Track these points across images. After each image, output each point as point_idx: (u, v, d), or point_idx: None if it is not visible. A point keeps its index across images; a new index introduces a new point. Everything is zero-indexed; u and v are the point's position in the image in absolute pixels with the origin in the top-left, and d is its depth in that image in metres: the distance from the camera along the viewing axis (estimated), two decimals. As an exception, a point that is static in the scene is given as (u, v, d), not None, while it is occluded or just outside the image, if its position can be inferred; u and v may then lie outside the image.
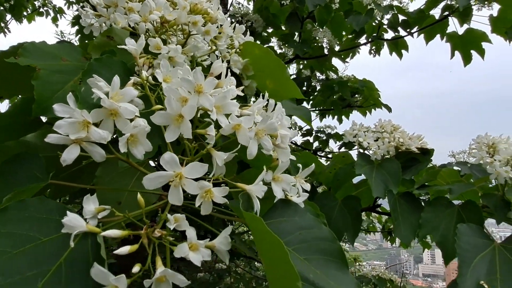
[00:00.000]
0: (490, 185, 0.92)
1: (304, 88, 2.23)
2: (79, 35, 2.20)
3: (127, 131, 0.35)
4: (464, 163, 0.95)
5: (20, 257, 0.32)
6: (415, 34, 1.89)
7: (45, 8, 3.90)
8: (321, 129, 2.61)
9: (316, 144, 2.63)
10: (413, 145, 0.97)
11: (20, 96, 0.63)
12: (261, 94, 0.48)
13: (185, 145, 0.38)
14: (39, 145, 0.51)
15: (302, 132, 2.73)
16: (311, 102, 2.41)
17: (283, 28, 2.07)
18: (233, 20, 1.95)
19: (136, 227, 0.34)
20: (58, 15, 3.93)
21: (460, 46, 1.80)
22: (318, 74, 2.28)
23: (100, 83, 0.40)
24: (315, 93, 2.33)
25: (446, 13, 1.78)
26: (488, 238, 0.76)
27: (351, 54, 2.19)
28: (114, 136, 0.38)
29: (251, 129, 0.36)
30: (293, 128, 2.72)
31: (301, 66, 2.46)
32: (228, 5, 2.26)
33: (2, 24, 3.53)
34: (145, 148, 0.36)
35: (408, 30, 1.86)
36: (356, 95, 2.29)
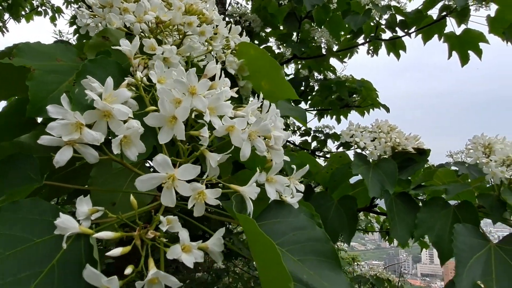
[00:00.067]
0: (488, 185, 0.92)
1: (302, 88, 2.23)
2: (77, 35, 2.20)
3: (120, 133, 0.35)
4: (462, 163, 0.96)
5: (13, 258, 0.32)
6: (413, 35, 1.89)
7: (43, 8, 3.89)
8: (319, 129, 2.61)
9: (314, 144, 2.63)
10: (409, 145, 0.98)
11: (17, 97, 0.63)
12: (256, 95, 0.48)
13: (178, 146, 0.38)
14: (33, 146, 0.51)
15: (301, 132, 2.73)
16: (309, 102, 2.41)
17: (281, 28, 2.07)
18: (231, 20, 1.95)
19: (132, 228, 0.34)
20: (57, 15, 3.92)
21: (458, 47, 1.80)
22: (316, 74, 2.28)
23: (94, 84, 0.40)
24: (313, 93, 2.33)
25: (444, 13, 1.79)
26: (484, 238, 0.76)
27: (349, 54, 2.19)
28: (110, 138, 0.38)
29: (244, 131, 0.36)
30: (291, 128, 2.73)
31: (299, 66, 2.46)
32: (227, 5, 2.25)
33: (0, 24, 3.52)
34: (139, 150, 0.36)
35: (405, 30, 1.87)
36: (354, 95, 2.30)
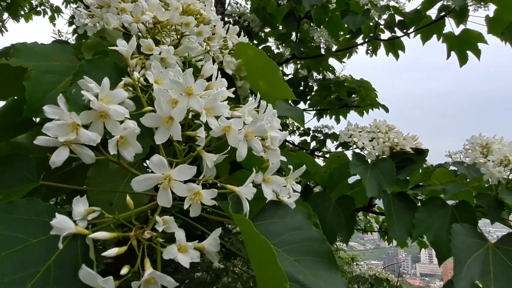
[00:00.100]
0: (486, 185, 0.92)
1: (301, 88, 2.23)
2: (76, 35, 2.20)
3: (116, 133, 0.35)
4: (461, 163, 0.96)
5: (8, 259, 0.32)
6: (412, 35, 1.89)
7: (42, 7, 3.88)
8: (318, 129, 2.61)
9: (313, 144, 2.63)
10: (407, 145, 0.98)
11: (16, 97, 0.62)
12: (253, 95, 0.48)
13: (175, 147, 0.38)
14: (30, 146, 0.51)
15: (300, 132, 2.74)
16: (308, 102, 2.41)
17: (280, 28, 2.07)
18: (230, 20, 1.95)
19: (129, 228, 0.34)
20: (56, 14, 3.91)
21: (456, 47, 1.80)
22: (315, 74, 2.28)
23: (91, 85, 0.40)
24: (312, 93, 2.33)
25: (443, 13, 1.79)
26: (482, 238, 0.76)
27: (348, 54, 2.19)
28: (107, 138, 0.38)
29: (240, 131, 0.36)
30: (290, 128, 2.73)
31: (298, 66, 2.46)
32: (226, 5, 2.25)
33: (-1, 23, 3.51)
34: (135, 150, 0.36)
35: (404, 30, 1.87)
36: (353, 95, 2.30)
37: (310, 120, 2.60)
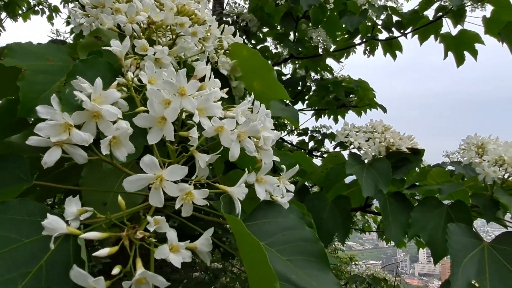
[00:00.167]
0: (483, 184, 0.92)
1: (299, 88, 2.24)
2: (74, 34, 2.19)
3: (109, 133, 0.35)
4: (458, 163, 0.96)
5: (1, 259, 0.32)
6: (409, 35, 1.90)
7: (40, 7, 3.87)
8: (317, 129, 2.61)
9: (311, 144, 2.64)
10: (403, 145, 0.98)
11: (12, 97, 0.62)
12: (247, 95, 0.48)
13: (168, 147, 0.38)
14: (23, 146, 0.51)
15: (298, 131, 2.74)
16: (306, 102, 2.41)
17: (278, 28, 2.07)
18: (229, 19, 1.95)
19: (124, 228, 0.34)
20: (54, 14, 3.90)
21: (454, 47, 1.81)
22: (313, 74, 2.28)
23: (84, 85, 0.40)
24: (310, 93, 2.33)
25: (440, 14, 1.79)
26: (477, 237, 0.77)
27: (345, 54, 2.20)
28: (100, 138, 0.38)
29: (233, 132, 0.36)
30: (289, 128, 2.73)
31: (297, 66, 2.46)
32: (225, 5, 2.25)
33: (-3, 23, 3.50)
34: (128, 150, 0.36)
35: (402, 30, 1.87)
36: (351, 95, 2.30)
37: (308, 120, 2.61)
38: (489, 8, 1.75)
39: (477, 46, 1.78)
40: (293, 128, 2.77)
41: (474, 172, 0.88)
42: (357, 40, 2.03)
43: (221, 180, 0.49)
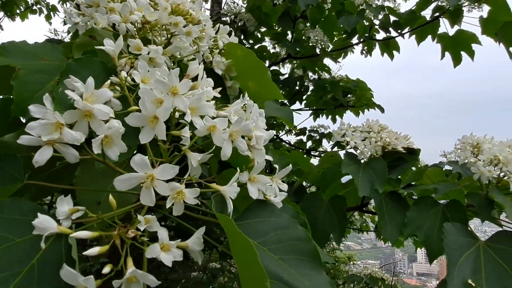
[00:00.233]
0: (479, 184, 0.93)
1: (297, 88, 2.24)
2: (71, 34, 2.19)
3: (101, 132, 0.35)
4: (456, 162, 0.97)
5: (-6, 258, 0.32)
6: (407, 35, 1.90)
7: (38, 6, 3.86)
8: (314, 129, 2.62)
9: (309, 143, 2.64)
10: (399, 144, 0.98)
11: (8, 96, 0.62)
12: (241, 95, 0.48)
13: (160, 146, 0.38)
14: (17, 145, 0.51)
15: (296, 131, 2.74)
16: (304, 101, 2.41)
17: (276, 27, 2.07)
18: (227, 19, 1.95)
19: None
20: (52, 13, 3.89)
21: (451, 47, 1.81)
22: (310, 73, 2.28)
23: (77, 84, 0.40)
24: (308, 93, 2.34)
25: (437, 14, 1.80)
26: (473, 236, 0.77)
27: (343, 54, 2.20)
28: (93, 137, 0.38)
29: (225, 131, 0.36)
30: (287, 128, 2.73)
31: (295, 66, 2.46)
32: (223, 4, 2.25)
33: (-6, 22, 3.49)
34: (120, 149, 0.36)
35: (399, 31, 1.88)
36: (349, 95, 2.30)
37: (306, 120, 2.61)
38: (486, 8, 1.76)
39: (474, 46, 1.78)
40: (292, 128, 2.77)
41: (471, 172, 0.89)
42: (354, 40, 2.03)
43: (216, 179, 0.49)
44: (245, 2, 2.30)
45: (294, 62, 2.39)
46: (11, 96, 0.60)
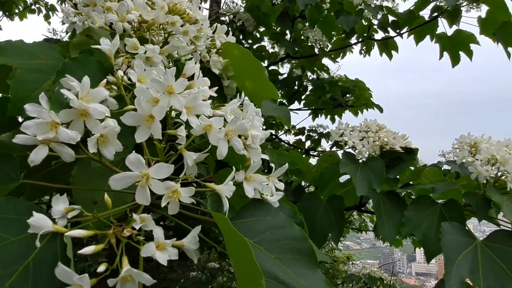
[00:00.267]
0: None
1: (296, 88, 2.24)
2: (70, 33, 2.18)
3: (97, 132, 0.35)
4: (454, 162, 0.97)
5: (-13, 258, 0.32)
6: (405, 35, 1.90)
7: (37, 6, 3.85)
8: (313, 129, 2.62)
9: (308, 143, 2.64)
10: (397, 144, 0.98)
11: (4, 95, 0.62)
12: (237, 94, 0.48)
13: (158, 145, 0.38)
14: (13, 145, 0.51)
15: (295, 131, 2.75)
16: (303, 101, 2.41)
17: (274, 27, 2.07)
18: (226, 19, 1.95)
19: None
20: (50, 13, 3.88)
21: (449, 47, 1.81)
22: (309, 73, 2.29)
23: (73, 83, 0.40)
24: (307, 93, 2.34)
25: (435, 14, 1.80)
26: (470, 236, 0.77)
27: (341, 54, 2.20)
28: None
29: (221, 130, 0.36)
30: (286, 127, 2.74)
31: (293, 65, 2.47)
32: (222, 4, 2.25)
33: (-7, 21, 3.48)
34: (116, 148, 0.36)
35: (397, 30, 1.88)
36: (348, 95, 2.31)
37: (305, 120, 2.61)
38: (484, 8, 1.76)
39: (473, 46, 1.79)
40: (290, 128, 2.77)
41: (469, 171, 0.89)
42: (353, 40, 2.03)
43: (213, 179, 0.49)
44: (243, 1, 2.30)
45: (293, 62, 2.39)
46: (8, 95, 0.60)
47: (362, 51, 2.12)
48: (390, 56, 2.02)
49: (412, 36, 1.91)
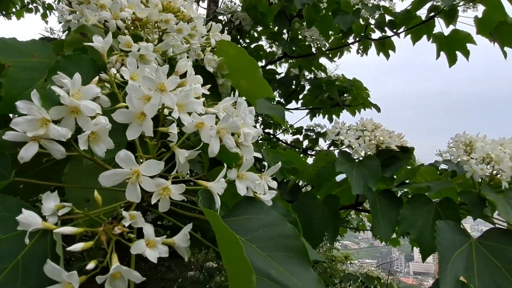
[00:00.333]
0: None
1: (293, 87, 2.24)
2: (66, 32, 2.17)
3: (88, 129, 0.35)
4: (451, 161, 0.97)
5: (-22, 255, 0.32)
6: (402, 35, 1.91)
7: (34, 5, 3.83)
8: (311, 128, 2.62)
9: (306, 143, 2.65)
10: (393, 143, 0.99)
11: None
12: (232, 93, 0.48)
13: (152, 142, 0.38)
14: (4, 142, 0.51)
15: (292, 130, 2.75)
16: (300, 101, 2.42)
17: (271, 27, 2.07)
18: (224, 18, 1.95)
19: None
20: (48, 12, 3.87)
21: (446, 47, 1.82)
22: (306, 73, 2.29)
23: (65, 81, 0.40)
24: (304, 92, 2.34)
25: (432, 13, 1.80)
26: (465, 234, 0.77)
27: (339, 53, 2.20)
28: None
29: (212, 127, 0.36)
30: (284, 127, 2.73)
31: (291, 65, 2.47)
32: (219, 3, 2.25)
33: (-11, 20, 3.46)
34: (107, 146, 0.36)
35: (394, 30, 1.88)
36: (345, 94, 2.31)
37: (303, 119, 2.61)
38: (480, 8, 1.77)
39: (470, 46, 1.79)
40: (288, 127, 2.78)
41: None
42: (350, 39, 2.03)
43: (207, 177, 0.49)
44: (241, 1, 2.30)
45: (290, 61, 2.39)
46: (1, 94, 0.59)
47: (360, 51, 2.12)
48: (387, 56, 2.02)
49: (409, 36, 1.91)
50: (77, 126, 0.37)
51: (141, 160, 0.35)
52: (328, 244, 3.24)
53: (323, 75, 2.24)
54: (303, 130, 2.63)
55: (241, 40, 2.02)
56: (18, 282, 0.32)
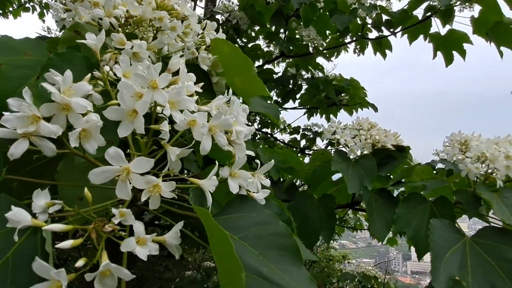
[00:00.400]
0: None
1: (290, 86, 2.24)
2: (63, 31, 2.16)
3: (79, 126, 0.35)
4: (447, 160, 0.97)
5: (-32, 252, 0.32)
6: (399, 34, 1.91)
7: (31, 4, 3.82)
8: (308, 127, 2.62)
9: (303, 142, 2.65)
10: (388, 142, 0.99)
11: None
12: (226, 91, 0.48)
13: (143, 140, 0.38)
14: (-3, 140, 0.50)
15: (290, 130, 2.75)
16: (297, 100, 2.42)
17: (269, 26, 2.07)
18: (222, 17, 1.95)
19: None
20: (45, 11, 3.85)
21: (442, 47, 1.82)
22: (303, 72, 2.29)
23: (57, 78, 0.39)
24: (302, 92, 2.34)
25: (429, 13, 1.81)
26: (459, 232, 0.77)
27: (336, 53, 2.21)
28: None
29: (204, 125, 0.36)
30: (282, 126, 2.73)
31: (288, 64, 2.47)
32: (217, 3, 2.25)
33: (-14, 19, 3.45)
34: (98, 143, 0.35)
35: (391, 30, 1.88)
36: (343, 94, 2.31)
37: (300, 118, 2.62)
38: (477, 8, 1.77)
39: (467, 46, 1.80)
40: (286, 126, 2.78)
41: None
42: (347, 39, 2.04)
43: (197, 175, 0.49)
44: (238, 0, 2.29)
45: (288, 60, 2.39)
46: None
47: (356, 50, 2.12)
48: (384, 55, 2.02)
49: (406, 36, 1.92)
50: (69, 123, 0.37)
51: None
52: (325, 244, 3.25)
53: (320, 74, 2.24)
54: (301, 130, 2.63)
55: (238, 40, 2.01)
56: (8, 279, 0.31)
